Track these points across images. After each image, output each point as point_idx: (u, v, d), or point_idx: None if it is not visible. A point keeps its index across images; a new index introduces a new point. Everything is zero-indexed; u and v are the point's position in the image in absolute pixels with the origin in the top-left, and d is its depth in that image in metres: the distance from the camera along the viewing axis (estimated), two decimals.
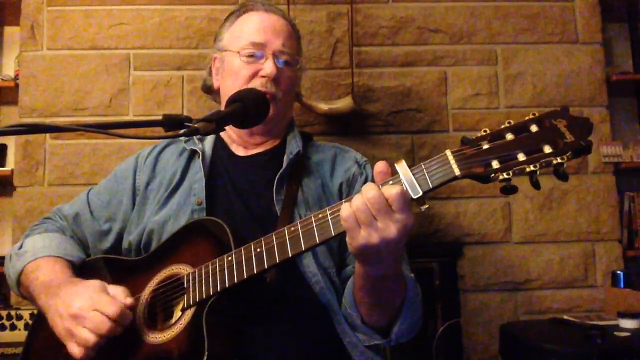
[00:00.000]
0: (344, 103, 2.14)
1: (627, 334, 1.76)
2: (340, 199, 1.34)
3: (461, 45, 2.33)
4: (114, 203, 1.43)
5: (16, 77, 2.34)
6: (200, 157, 1.39)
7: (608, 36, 2.57)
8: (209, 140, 1.46)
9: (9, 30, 2.59)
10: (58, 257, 1.30)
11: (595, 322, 1.90)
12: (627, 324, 1.83)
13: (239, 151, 1.44)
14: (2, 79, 2.38)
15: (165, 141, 1.50)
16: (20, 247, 1.34)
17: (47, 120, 2.19)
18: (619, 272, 2.11)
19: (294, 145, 1.41)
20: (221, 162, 1.41)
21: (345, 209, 0.94)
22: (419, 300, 1.20)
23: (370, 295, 1.12)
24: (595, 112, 2.31)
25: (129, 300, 1.13)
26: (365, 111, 2.24)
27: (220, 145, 1.46)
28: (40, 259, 1.28)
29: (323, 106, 2.15)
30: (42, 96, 2.23)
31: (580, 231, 2.25)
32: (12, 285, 1.34)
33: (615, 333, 1.76)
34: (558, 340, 1.71)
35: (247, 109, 1.15)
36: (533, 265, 2.23)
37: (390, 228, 0.92)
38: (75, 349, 1.09)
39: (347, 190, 1.37)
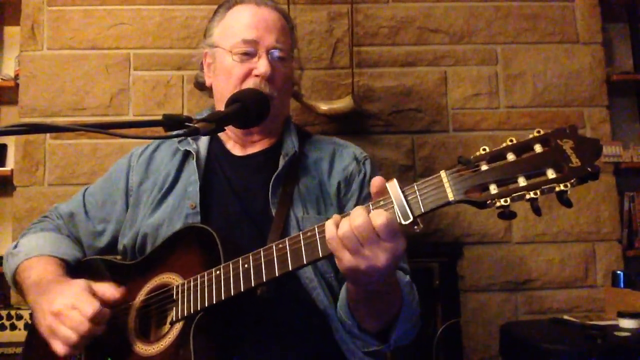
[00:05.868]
0: (344, 103, 2.14)
1: (627, 334, 1.76)
2: (339, 199, 1.32)
3: (461, 45, 2.32)
4: (108, 204, 1.42)
5: (16, 77, 2.34)
6: (195, 158, 1.35)
7: (608, 36, 2.57)
8: (204, 138, 1.42)
9: (9, 30, 2.59)
10: (51, 256, 1.29)
11: (595, 322, 1.90)
12: (627, 324, 1.82)
13: (236, 150, 1.40)
14: (2, 79, 2.39)
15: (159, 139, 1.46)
16: (15, 246, 1.35)
17: (47, 120, 2.19)
18: (619, 272, 2.11)
19: (289, 144, 1.37)
20: (217, 162, 1.38)
21: (329, 231, 0.90)
22: (416, 303, 1.18)
23: (364, 306, 1.10)
24: (595, 112, 2.31)
25: (117, 294, 1.12)
26: (366, 111, 2.24)
27: (216, 144, 1.42)
28: (33, 258, 1.28)
29: (323, 106, 2.15)
30: (42, 96, 2.22)
31: (581, 231, 2.25)
32: (10, 284, 1.34)
33: (615, 333, 1.76)
34: (558, 340, 1.71)
35: (248, 109, 1.15)
36: (533, 265, 2.23)
37: (379, 257, 0.88)
38: (58, 347, 1.09)
39: (345, 190, 1.33)
